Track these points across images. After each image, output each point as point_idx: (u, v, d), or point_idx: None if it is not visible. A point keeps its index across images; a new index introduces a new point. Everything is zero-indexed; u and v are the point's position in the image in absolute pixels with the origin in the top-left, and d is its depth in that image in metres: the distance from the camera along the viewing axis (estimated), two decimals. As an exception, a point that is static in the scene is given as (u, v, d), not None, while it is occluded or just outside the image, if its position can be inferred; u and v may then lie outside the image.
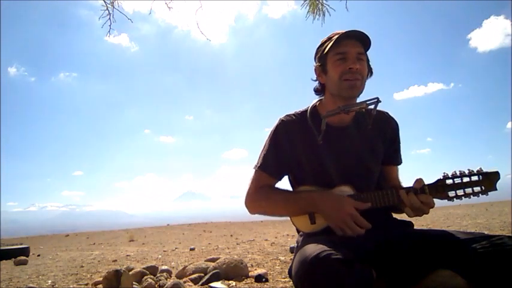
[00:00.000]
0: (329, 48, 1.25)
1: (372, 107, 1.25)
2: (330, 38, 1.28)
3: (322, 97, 1.38)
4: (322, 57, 1.29)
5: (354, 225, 1.14)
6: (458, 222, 6.10)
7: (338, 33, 1.27)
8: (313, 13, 3.21)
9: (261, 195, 1.32)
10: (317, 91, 1.39)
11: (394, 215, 1.37)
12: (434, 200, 1.17)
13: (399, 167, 1.44)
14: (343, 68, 1.23)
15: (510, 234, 1.07)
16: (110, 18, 2.99)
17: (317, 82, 1.37)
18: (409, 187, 1.20)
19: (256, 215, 1.38)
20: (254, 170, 1.36)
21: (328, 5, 3.20)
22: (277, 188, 1.36)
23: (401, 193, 1.17)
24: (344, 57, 1.23)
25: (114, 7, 3.00)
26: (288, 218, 1.33)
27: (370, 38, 1.23)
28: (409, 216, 1.21)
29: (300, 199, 1.27)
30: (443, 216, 7.35)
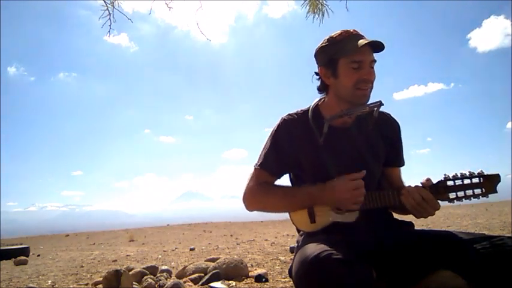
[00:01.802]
0: (343, 54, 1.22)
1: (374, 110, 1.25)
2: (341, 40, 1.23)
3: (324, 96, 1.37)
4: (332, 60, 1.25)
5: (357, 195, 1.16)
6: (458, 222, 6.10)
7: (350, 33, 1.23)
8: (313, 13, 3.20)
9: (259, 191, 1.32)
10: (319, 90, 1.37)
11: (395, 215, 1.37)
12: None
13: (402, 169, 1.43)
14: (358, 77, 1.21)
15: (510, 235, 1.07)
16: (110, 18, 2.99)
17: (319, 81, 1.35)
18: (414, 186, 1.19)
19: (257, 215, 1.37)
20: (254, 168, 1.36)
21: (328, 5, 3.20)
22: (275, 184, 1.36)
23: (404, 191, 1.17)
24: (359, 66, 1.21)
25: (114, 7, 3.00)
26: (288, 218, 1.33)
27: (385, 47, 1.21)
28: (415, 216, 1.20)
29: (298, 193, 1.27)
30: (443, 216, 7.35)
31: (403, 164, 1.42)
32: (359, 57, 1.20)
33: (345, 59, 1.22)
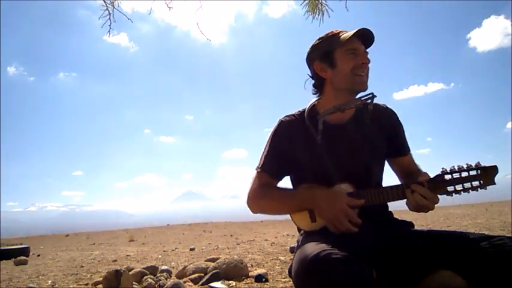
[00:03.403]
0: (338, 44, 1.26)
1: (368, 103, 1.26)
2: (334, 34, 1.29)
3: (320, 97, 1.38)
4: (328, 52, 1.29)
5: (346, 222, 1.14)
6: (458, 222, 6.10)
7: (339, 30, 1.29)
8: (313, 13, 3.20)
9: (261, 194, 1.34)
10: (316, 87, 1.38)
11: (394, 215, 1.37)
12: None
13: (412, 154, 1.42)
14: (355, 62, 1.24)
15: (510, 235, 1.07)
16: (110, 18, 2.99)
17: (314, 79, 1.37)
18: (410, 183, 1.19)
19: (257, 215, 1.39)
20: (255, 171, 1.37)
21: (328, 5, 3.20)
22: (277, 187, 1.37)
23: (407, 192, 1.16)
24: (355, 53, 1.25)
25: (114, 7, 3.00)
26: (288, 218, 1.34)
27: (375, 38, 1.26)
28: (415, 211, 1.19)
29: (298, 195, 1.28)
30: (443, 216, 7.35)
31: (409, 150, 1.41)
32: (354, 45, 1.25)
33: (340, 48, 1.26)
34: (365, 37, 1.26)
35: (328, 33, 1.31)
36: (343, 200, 1.17)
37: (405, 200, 1.19)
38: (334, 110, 1.25)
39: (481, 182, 1.10)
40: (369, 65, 1.27)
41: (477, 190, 1.11)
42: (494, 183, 1.11)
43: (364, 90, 1.26)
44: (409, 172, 1.37)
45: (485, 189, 1.11)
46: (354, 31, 1.24)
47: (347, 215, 1.14)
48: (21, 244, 7.02)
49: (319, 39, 1.32)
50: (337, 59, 1.27)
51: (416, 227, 1.31)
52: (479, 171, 1.11)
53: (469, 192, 1.12)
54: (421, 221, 6.41)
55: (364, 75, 1.25)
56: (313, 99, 1.39)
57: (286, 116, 1.39)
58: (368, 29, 1.25)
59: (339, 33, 1.28)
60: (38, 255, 6.26)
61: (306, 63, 1.39)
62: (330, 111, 1.26)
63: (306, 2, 3.19)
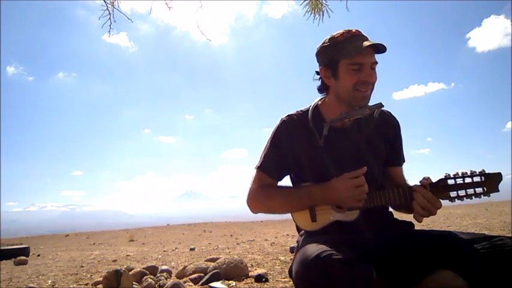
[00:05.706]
0: (343, 56, 1.21)
1: (374, 111, 1.26)
2: (343, 40, 1.22)
3: (325, 96, 1.37)
4: (333, 61, 1.24)
5: (359, 192, 1.15)
6: (458, 222, 6.10)
7: (351, 34, 1.22)
8: (314, 13, 3.20)
9: (261, 194, 1.33)
10: (320, 90, 1.37)
11: (395, 215, 1.37)
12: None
13: (403, 166, 1.43)
14: (357, 79, 1.20)
15: (510, 235, 1.07)
16: (110, 18, 2.98)
17: (320, 81, 1.35)
18: (413, 185, 1.19)
19: (258, 215, 1.38)
20: (255, 170, 1.37)
21: (328, 5, 3.20)
22: (277, 186, 1.36)
23: (415, 194, 1.16)
24: (360, 68, 1.20)
25: (114, 7, 2.99)
26: (288, 218, 1.34)
27: (387, 49, 1.20)
28: (417, 220, 1.20)
29: (299, 193, 1.28)
30: (443, 216, 7.35)
31: (403, 162, 1.43)
32: (359, 59, 1.19)
33: (345, 60, 1.21)
34: (374, 48, 1.20)
35: (338, 35, 1.23)
36: (344, 177, 1.18)
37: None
38: (342, 117, 1.25)
39: (485, 189, 1.10)
40: (374, 79, 1.23)
41: (480, 197, 1.11)
42: (498, 191, 1.10)
43: (366, 105, 1.24)
44: (397, 184, 1.35)
45: (489, 196, 1.11)
46: (363, 45, 1.17)
47: (358, 183, 1.16)
48: (21, 244, 7.02)
49: (329, 40, 1.25)
50: (340, 71, 1.23)
51: (416, 227, 1.31)
52: (483, 177, 1.10)
53: (471, 199, 1.12)
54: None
55: (365, 90, 1.22)
56: (317, 98, 1.38)
57: (288, 115, 1.37)
58: (379, 43, 1.18)
59: (348, 38, 1.21)
60: (38, 255, 6.26)
61: (315, 57, 1.34)
62: (337, 119, 1.26)
63: (307, 2, 3.19)
